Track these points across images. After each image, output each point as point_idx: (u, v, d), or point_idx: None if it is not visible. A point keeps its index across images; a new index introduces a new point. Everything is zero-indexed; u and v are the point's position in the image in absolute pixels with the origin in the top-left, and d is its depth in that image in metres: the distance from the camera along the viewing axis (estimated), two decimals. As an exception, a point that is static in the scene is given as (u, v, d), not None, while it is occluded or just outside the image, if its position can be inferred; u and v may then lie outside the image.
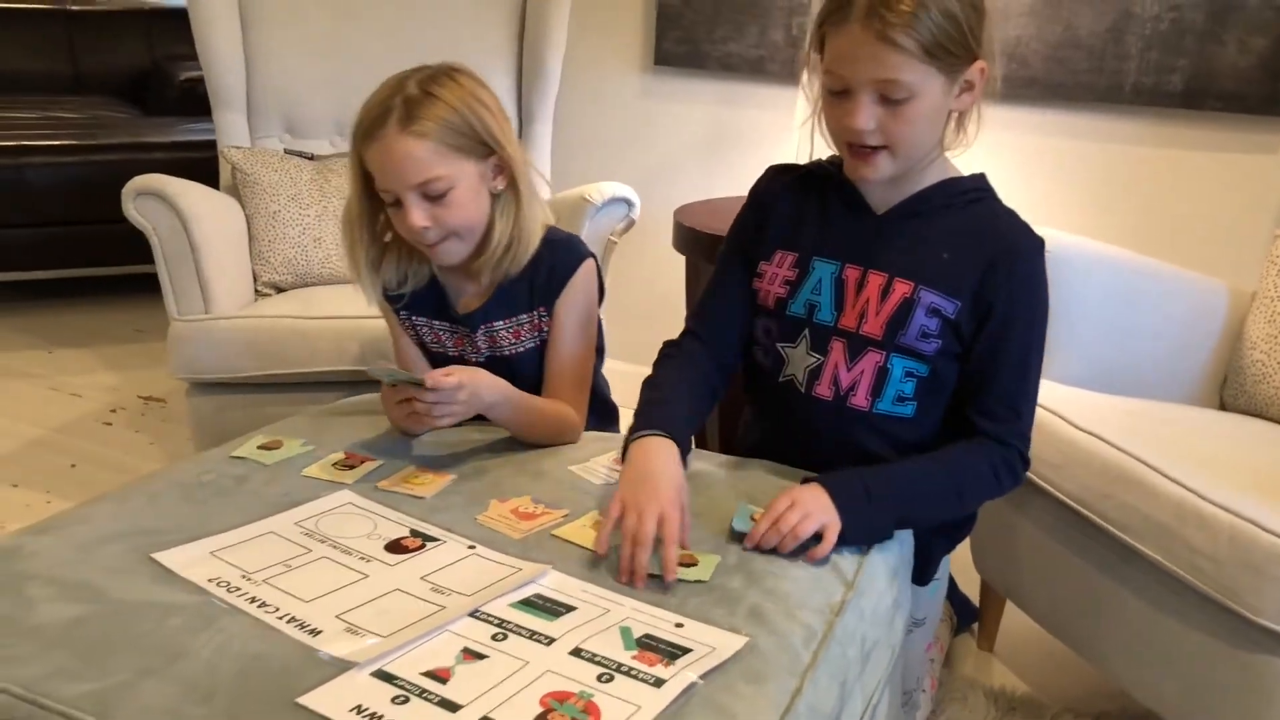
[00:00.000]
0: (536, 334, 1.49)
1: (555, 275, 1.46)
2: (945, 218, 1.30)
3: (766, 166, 1.44)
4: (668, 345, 1.42)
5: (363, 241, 1.44)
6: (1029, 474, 1.57)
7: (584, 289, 1.49)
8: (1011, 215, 1.33)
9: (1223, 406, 1.85)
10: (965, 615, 1.84)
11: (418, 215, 1.34)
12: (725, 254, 1.43)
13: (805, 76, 1.29)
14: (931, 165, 1.30)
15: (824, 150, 1.33)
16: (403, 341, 1.57)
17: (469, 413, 1.34)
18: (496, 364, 1.48)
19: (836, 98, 1.23)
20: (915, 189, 1.31)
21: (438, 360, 1.53)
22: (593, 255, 1.52)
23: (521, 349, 1.49)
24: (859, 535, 1.19)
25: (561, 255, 1.48)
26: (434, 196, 1.35)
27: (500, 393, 1.36)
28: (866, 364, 1.29)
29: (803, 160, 1.39)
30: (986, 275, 1.27)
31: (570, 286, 1.47)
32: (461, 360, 1.51)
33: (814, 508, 1.16)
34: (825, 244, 1.33)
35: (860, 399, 1.30)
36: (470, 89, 1.37)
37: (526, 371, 1.49)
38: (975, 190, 1.33)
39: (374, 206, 1.42)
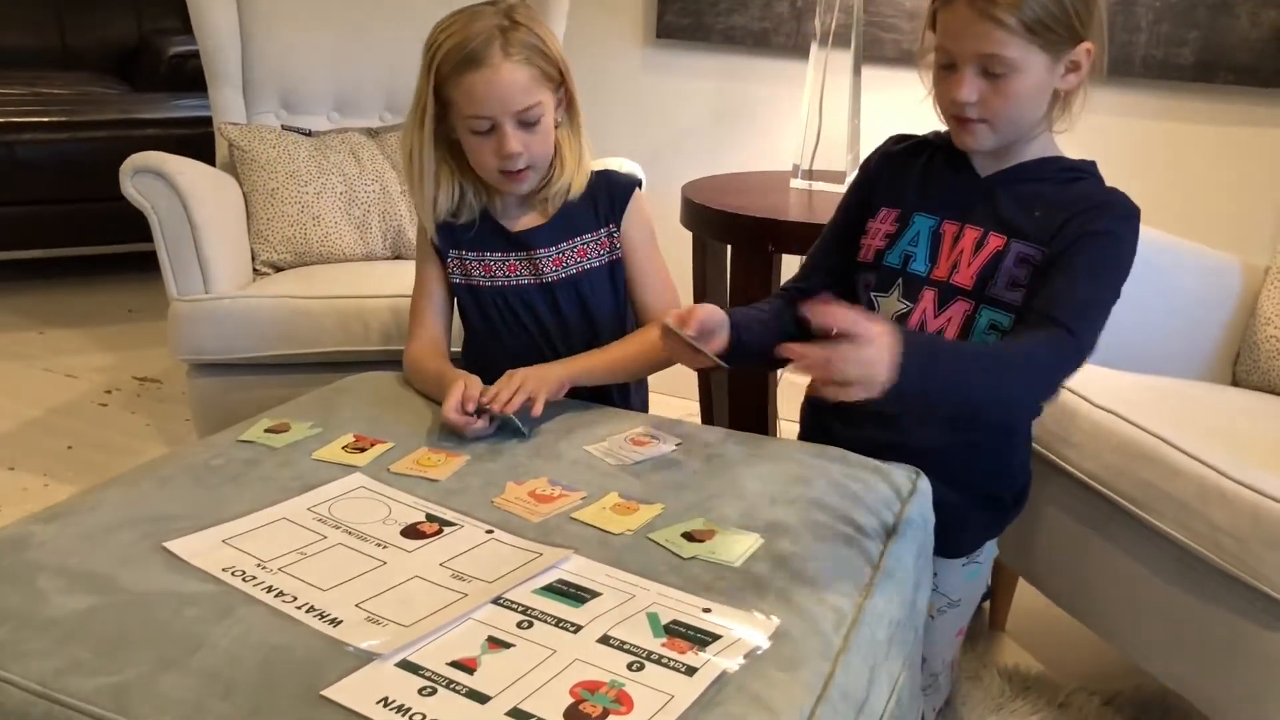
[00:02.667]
0: (605, 252, 1.54)
1: (617, 194, 1.54)
2: (1045, 187, 1.32)
3: (886, 137, 1.48)
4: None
5: (429, 174, 1.47)
6: (1046, 452, 1.57)
7: (644, 208, 1.58)
8: (1112, 189, 1.33)
9: (1235, 382, 1.84)
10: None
11: (514, 142, 1.40)
12: (835, 217, 1.49)
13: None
14: (1036, 140, 1.33)
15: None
16: (434, 294, 1.56)
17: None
18: (564, 286, 1.52)
19: (944, 72, 1.28)
20: (1019, 160, 1.34)
21: (482, 298, 1.54)
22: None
23: (590, 266, 1.53)
24: (909, 391, 1.07)
25: (617, 179, 1.57)
26: (529, 124, 1.41)
27: (574, 378, 1.43)
28: (954, 312, 1.32)
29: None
30: (1070, 219, 1.27)
31: (635, 203, 1.55)
32: (516, 288, 1.52)
33: (877, 370, 1.03)
34: (926, 200, 1.37)
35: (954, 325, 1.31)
36: (541, 21, 1.44)
37: (597, 290, 1.54)
38: (1078, 170, 1.35)
39: (436, 141, 1.46)
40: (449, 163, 1.49)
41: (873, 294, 1.38)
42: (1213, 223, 2.15)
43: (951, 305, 1.31)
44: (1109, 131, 2.25)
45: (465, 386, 1.34)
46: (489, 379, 1.38)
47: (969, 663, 1.73)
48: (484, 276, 1.53)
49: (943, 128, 1.36)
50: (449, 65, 1.39)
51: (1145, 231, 1.82)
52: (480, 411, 1.33)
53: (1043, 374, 1.24)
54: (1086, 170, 1.35)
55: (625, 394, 1.62)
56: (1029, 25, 1.19)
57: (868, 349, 1.03)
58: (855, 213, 1.44)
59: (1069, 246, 1.26)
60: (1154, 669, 1.47)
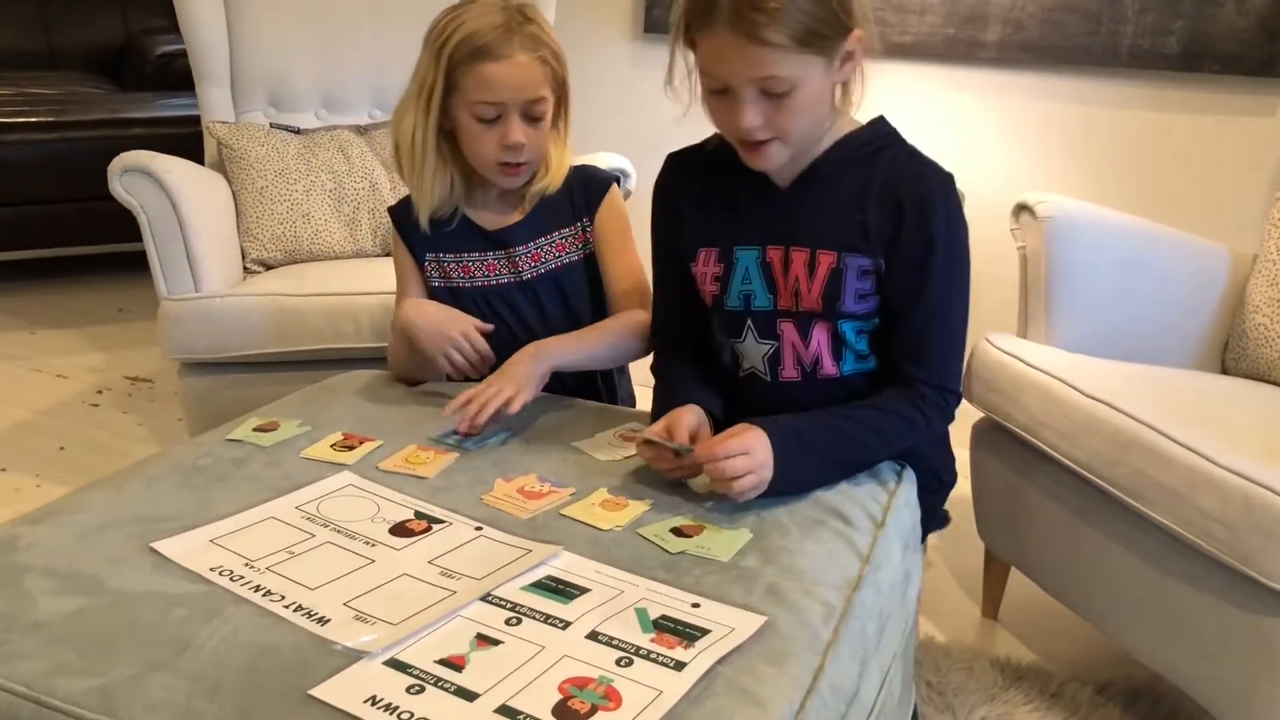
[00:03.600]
0: (580, 245, 1.55)
1: (591, 187, 1.56)
2: (850, 176, 1.27)
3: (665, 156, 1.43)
4: (655, 359, 1.46)
5: (430, 158, 1.47)
6: (1035, 441, 1.58)
7: (619, 202, 1.59)
8: (915, 157, 1.29)
9: (1224, 371, 1.84)
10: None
11: (519, 132, 1.43)
12: (657, 258, 1.43)
13: (672, 60, 1.25)
14: (825, 132, 1.28)
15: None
16: (414, 293, 1.56)
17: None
18: (545, 282, 1.53)
19: (717, 97, 1.20)
20: (813, 156, 1.28)
21: (464, 299, 1.53)
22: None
23: (568, 261, 1.54)
24: (787, 488, 1.18)
25: (592, 173, 1.59)
26: (533, 118, 1.44)
27: (547, 358, 1.41)
28: (820, 334, 1.29)
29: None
30: (897, 222, 1.24)
31: (610, 198, 1.56)
32: (496, 288, 1.53)
33: (760, 463, 1.15)
34: (741, 231, 1.31)
35: (829, 368, 1.30)
36: (548, 23, 1.48)
37: (577, 284, 1.55)
38: (874, 140, 1.29)
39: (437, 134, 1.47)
40: (442, 152, 1.48)
41: (731, 342, 1.34)
42: (1200, 212, 2.15)
43: (814, 329, 1.28)
44: (1097, 121, 2.26)
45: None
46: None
47: (961, 653, 1.73)
48: (464, 278, 1.53)
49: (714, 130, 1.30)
50: (464, 51, 1.40)
51: (1134, 223, 1.85)
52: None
53: (912, 432, 1.27)
54: (879, 136, 1.30)
55: (612, 389, 1.62)
56: (799, 38, 1.12)
57: (743, 460, 1.14)
58: (674, 260, 1.38)
59: (907, 270, 1.24)
60: (1145, 657, 1.48)
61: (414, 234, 1.53)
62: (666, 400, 1.31)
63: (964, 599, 1.94)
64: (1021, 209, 1.78)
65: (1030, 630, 1.85)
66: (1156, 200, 2.19)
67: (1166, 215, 2.00)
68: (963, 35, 2.28)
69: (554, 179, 1.53)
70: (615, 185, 1.58)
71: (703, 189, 1.35)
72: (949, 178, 1.28)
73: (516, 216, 1.54)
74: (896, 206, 1.24)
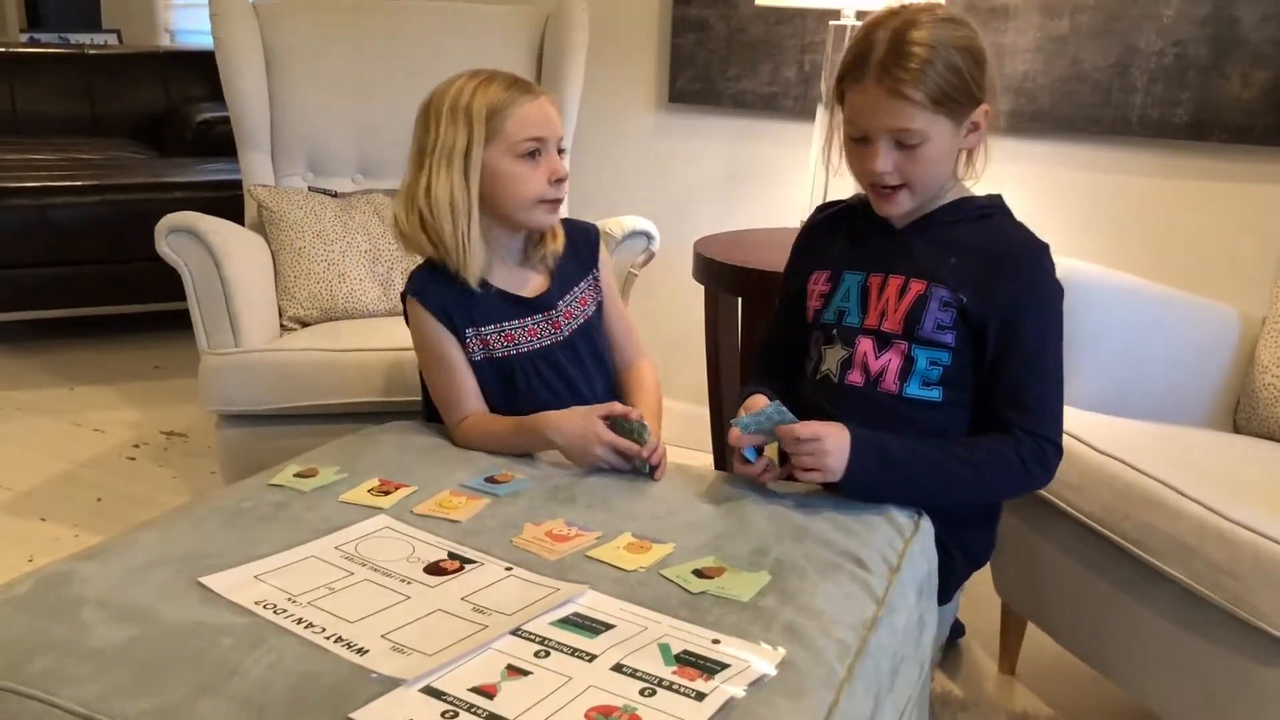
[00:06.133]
0: (595, 295, 1.65)
1: (588, 240, 1.66)
2: (956, 230, 1.44)
3: (815, 206, 1.63)
4: (749, 378, 1.63)
5: (475, 222, 1.50)
6: (1049, 495, 1.61)
7: (605, 249, 1.71)
8: (1018, 227, 1.47)
9: (1236, 430, 1.87)
10: (951, 631, 1.86)
11: (563, 164, 1.52)
12: (783, 291, 1.60)
13: (821, 118, 1.43)
14: (948, 192, 1.46)
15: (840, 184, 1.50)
16: (463, 368, 1.54)
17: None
18: (580, 336, 1.60)
19: (857, 144, 1.40)
20: (932, 208, 1.45)
21: (509, 368, 1.55)
22: None
23: (591, 312, 1.63)
24: (856, 493, 1.34)
25: (580, 225, 1.68)
26: (562, 153, 1.54)
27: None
28: (893, 353, 1.42)
29: (818, 193, 1.52)
30: (990, 269, 1.40)
31: (602, 247, 1.68)
32: (540, 351, 1.57)
33: (833, 460, 1.31)
34: (853, 259, 1.49)
35: (889, 383, 1.42)
36: None
37: (598, 333, 1.64)
38: (987, 208, 1.47)
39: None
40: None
41: (822, 347, 1.49)
42: (1210, 275, 2.20)
43: (889, 349, 1.43)
44: (1108, 188, 2.32)
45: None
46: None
47: (979, 708, 1.75)
48: (507, 346, 1.55)
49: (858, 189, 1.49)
50: (498, 100, 1.47)
51: (1146, 285, 1.89)
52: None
53: (1007, 471, 1.38)
54: (994, 207, 1.47)
55: None
56: (934, 98, 1.31)
57: (821, 442, 1.30)
58: (795, 281, 1.56)
59: (1003, 318, 1.39)
60: (1161, 710, 1.49)
61: (449, 309, 1.52)
62: (745, 396, 1.48)
63: (981, 654, 1.96)
64: (1034, 271, 1.83)
65: (1047, 685, 1.86)
66: (1168, 264, 2.25)
67: (1178, 278, 2.05)
68: (977, 105, 2.35)
69: (559, 235, 1.61)
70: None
71: (833, 226, 1.55)
72: (1045, 246, 1.44)
73: (539, 278, 1.59)
74: (991, 258, 1.41)
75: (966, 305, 1.38)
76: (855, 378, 1.44)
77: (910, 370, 1.41)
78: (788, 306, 1.57)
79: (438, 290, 1.53)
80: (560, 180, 1.51)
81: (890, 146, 1.36)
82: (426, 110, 1.51)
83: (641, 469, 1.43)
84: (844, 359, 1.45)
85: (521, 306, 1.56)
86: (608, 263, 1.69)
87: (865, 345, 1.44)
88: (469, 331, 1.54)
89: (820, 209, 1.61)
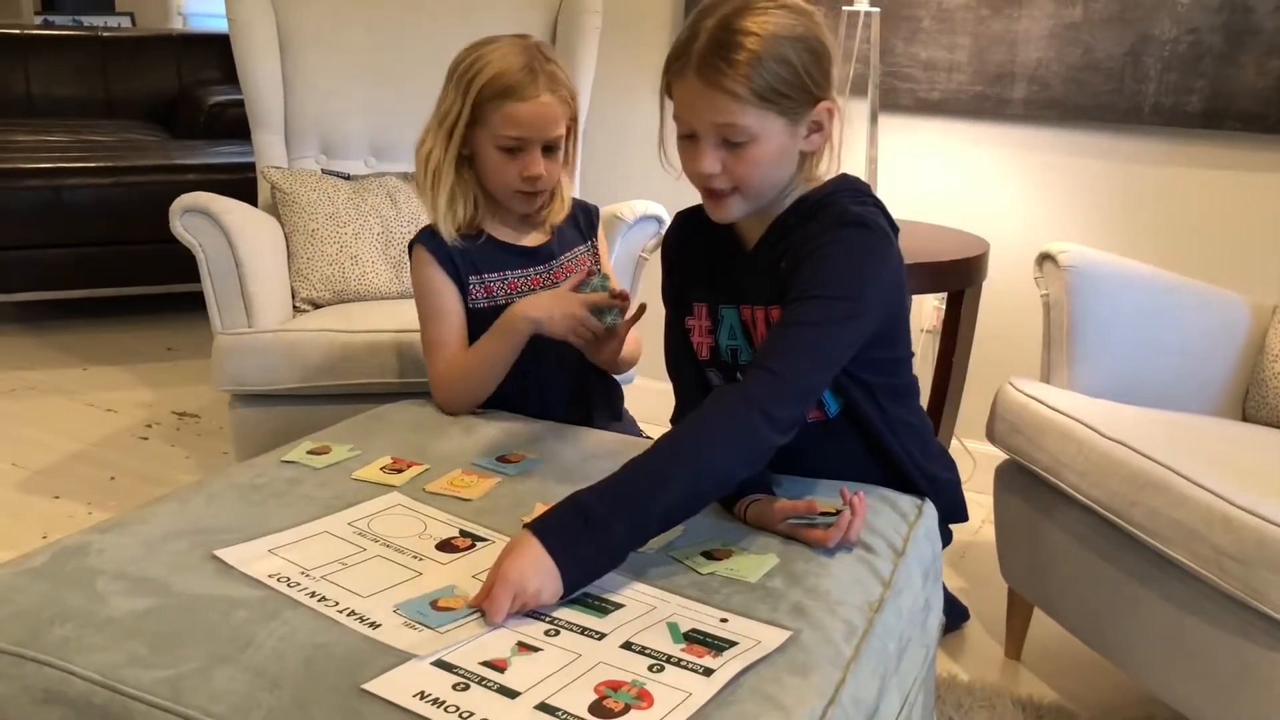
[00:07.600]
0: (592, 264, 1.70)
1: (589, 216, 1.74)
2: (796, 234, 1.30)
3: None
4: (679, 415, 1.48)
5: (445, 184, 1.57)
6: (1056, 481, 1.62)
7: (602, 230, 1.79)
8: (849, 207, 1.28)
9: (1245, 418, 1.88)
10: (953, 614, 1.87)
11: (539, 165, 1.56)
12: (668, 317, 1.48)
13: (662, 124, 1.32)
14: (788, 196, 1.32)
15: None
16: (455, 316, 1.60)
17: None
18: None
19: (685, 142, 1.28)
20: (776, 214, 1.33)
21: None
22: None
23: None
24: (586, 578, 1.07)
25: (585, 204, 1.75)
26: (551, 150, 1.57)
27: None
28: None
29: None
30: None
31: (601, 224, 1.77)
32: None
33: (527, 579, 1.02)
34: (721, 289, 1.38)
35: (814, 412, 1.34)
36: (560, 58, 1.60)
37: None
38: (824, 198, 1.31)
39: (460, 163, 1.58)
40: (463, 175, 1.59)
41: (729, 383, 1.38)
42: (1221, 264, 2.20)
43: None
44: (1120, 176, 2.32)
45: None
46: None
47: (983, 692, 1.76)
48: (510, 294, 1.62)
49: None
50: (492, 90, 1.51)
51: (1156, 273, 1.90)
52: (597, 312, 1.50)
53: (723, 442, 1.14)
54: (829, 195, 1.30)
55: (620, 421, 1.73)
56: (760, 93, 1.19)
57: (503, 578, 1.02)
58: (677, 314, 1.45)
59: (791, 295, 1.23)
60: (1166, 695, 1.50)
61: (454, 257, 1.59)
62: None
63: (987, 639, 1.97)
64: (1045, 258, 1.84)
65: (1053, 670, 1.87)
66: (1179, 252, 2.25)
67: (1189, 267, 2.05)
68: (990, 93, 2.35)
69: (565, 206, 1.67)
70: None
71: (692, 246, 1.43)
72: (854, 219, 1.26)
73: (544, 236, 1.67)
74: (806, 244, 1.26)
75: None
76: None
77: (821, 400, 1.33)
78: (680, 352, 1.46)
79: (444, 240, 1.59)
80: (532, 178, 1.55)
81: (717, 145, 1.24)
82: (450, 68, 1.58)
83: (614, 322, 1.50)
84: None
85: (524, 256, 1.64)
86: (604, 242, 1.76)
87: None
88: (473, 279, 1.61)
89: (677, 220, 1.47)
